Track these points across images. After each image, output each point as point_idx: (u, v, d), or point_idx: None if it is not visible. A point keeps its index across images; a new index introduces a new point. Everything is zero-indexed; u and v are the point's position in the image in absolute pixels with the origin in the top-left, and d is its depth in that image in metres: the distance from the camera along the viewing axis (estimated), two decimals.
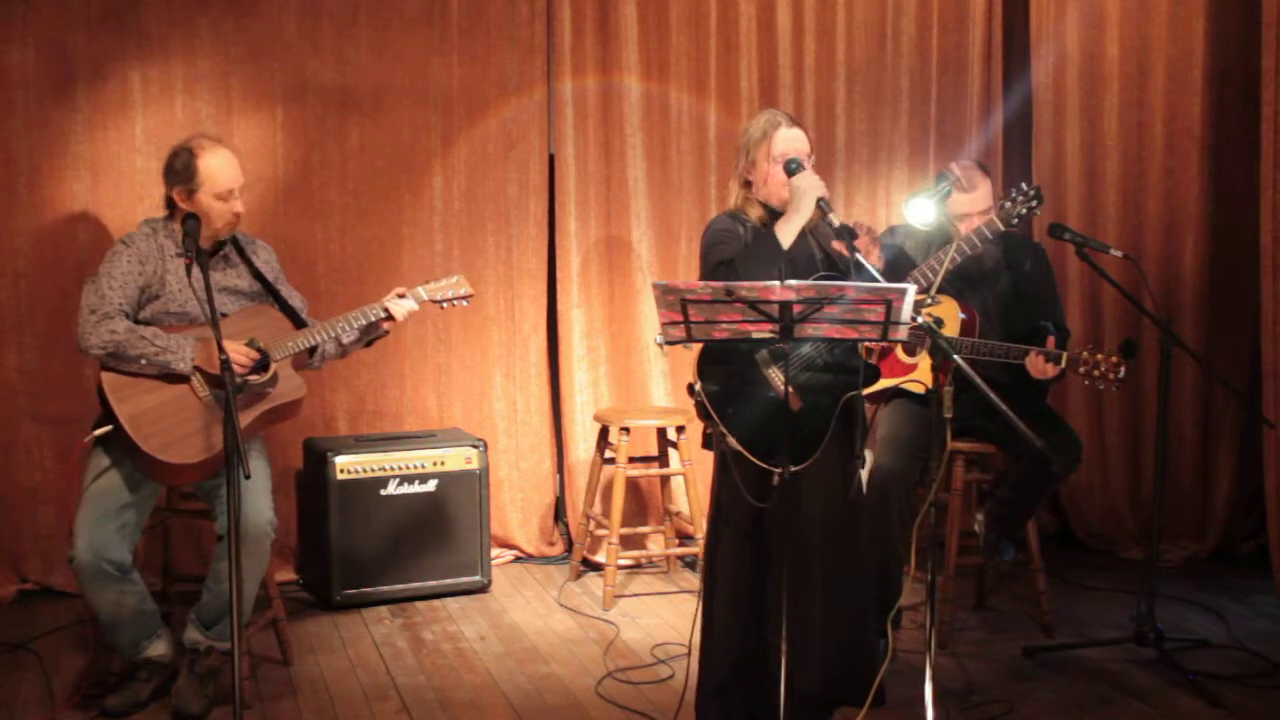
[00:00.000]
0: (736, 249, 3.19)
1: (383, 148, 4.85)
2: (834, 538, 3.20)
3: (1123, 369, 3.74)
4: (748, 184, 3.31)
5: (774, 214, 3.26)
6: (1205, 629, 4.27)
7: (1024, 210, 3.84)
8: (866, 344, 3.51)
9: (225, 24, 4.60)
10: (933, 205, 3.86)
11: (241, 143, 4.65)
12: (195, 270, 3.24)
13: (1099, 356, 3.76)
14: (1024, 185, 3.87)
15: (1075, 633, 4.23)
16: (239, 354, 3.43)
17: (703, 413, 3.17)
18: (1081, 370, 3.78)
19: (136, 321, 3.49)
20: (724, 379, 3.16)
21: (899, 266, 4.04)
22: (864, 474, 4.36)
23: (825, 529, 3.19)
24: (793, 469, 2.98)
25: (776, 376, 3.13)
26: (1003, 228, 3.87)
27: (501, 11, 4.93)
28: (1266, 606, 4.54)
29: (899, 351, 4.05)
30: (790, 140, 3.25)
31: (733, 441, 3.09)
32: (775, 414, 3.07)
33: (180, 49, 4.56)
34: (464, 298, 3.91)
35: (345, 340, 3.79)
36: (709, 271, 3.21)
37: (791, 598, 3.10)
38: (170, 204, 3.60)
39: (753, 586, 3.22)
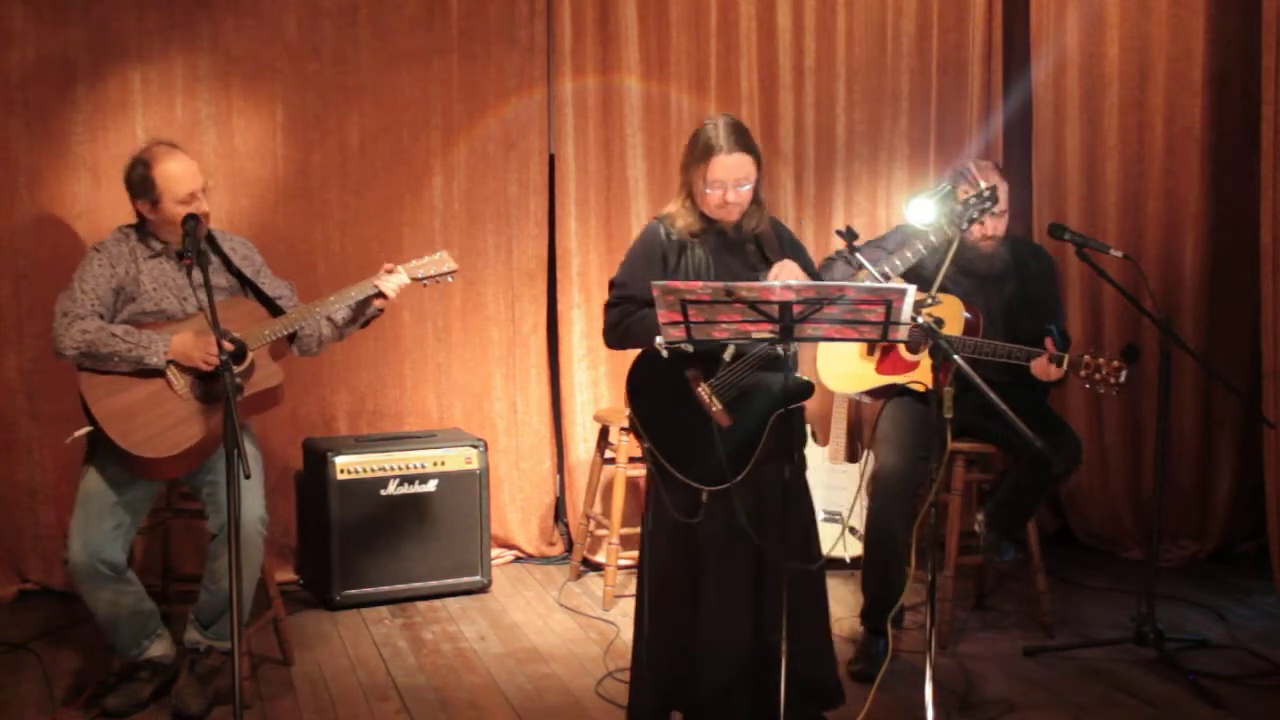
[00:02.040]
0: (645, 283, 3.13)
1: (383, 148, 4.85)
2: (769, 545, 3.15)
3: (1124, 374, 3.71)
4: (689, 190, 3.26)
5: (708, 222, 3.25)
6: (1205, 629, 4.27)
7: (976, 214, 3.68)
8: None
9: (225, 24, 4.60)
10: (933, 205, 3.85)
11: (241, 143, 4.66)
12: (195, 271, 3.25)
13: (1100, 360, 3.73)
14: (982, 185, 3.71)
15: (1075, 633, 4.23)
16: (214, 346, 3.42)
17: (633, 428, 3.19)
18: (1083, 374, 3.75)
19: (113, 323, 3.50)
20: (655, 394, 3.16)
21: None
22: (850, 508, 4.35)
23: (758, 538, 3.13)
24: (719, 487, 3.02)
25: (705, 395, 3.12)
26: (949, 234, 3.78)
27: (501, 11, 4.93)
28: (1266, 606, 4.54)
29: (901, 349, 4.05)
30: (728, 169, 3.15)
31: (661, 460, 3.11)
32: (704, 431, 3.08)
33: (180, 49, 4.56)
34: (447, 274, 3.83)
35: (340, 320, 3.78)
36: (611, 293, 3.28)
37: (716, 604, 3.13)
38: (139, 214, 3.60)
39: (688, 588, 3.19)
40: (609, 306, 3.29)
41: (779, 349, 3.01)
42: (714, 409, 3.11)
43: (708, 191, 3.18)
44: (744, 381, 3.12)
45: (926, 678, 3.03)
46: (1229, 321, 5.16)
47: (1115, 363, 3.71)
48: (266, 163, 4.70)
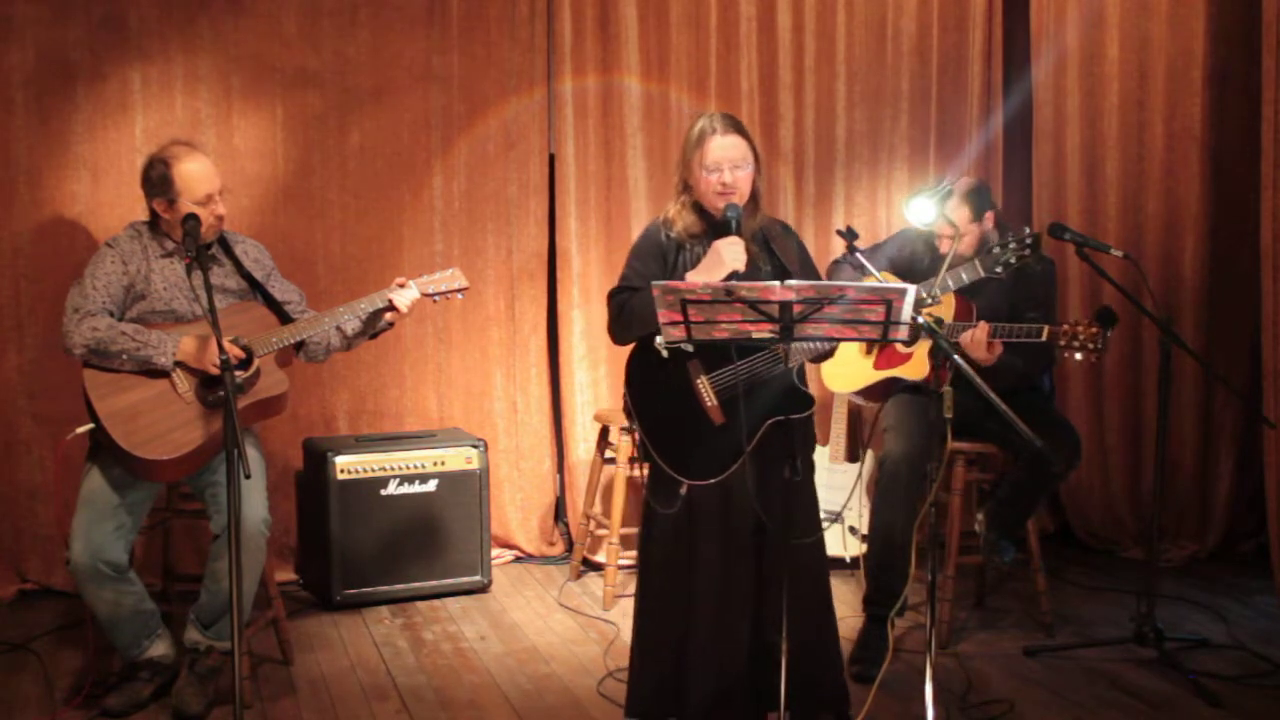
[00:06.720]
0: (648, 274, 3.17)
1: (383, 148, 4.85)
2: (761, 552, 3.15)
3: (1101, 338, 3.67)
4: (687, 186, 3.26)
5: (708, 218, 3.24)
6: (1205, 629, 4.27)
7: (1013, 259, 3.70)
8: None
9: (225, 24, 4.60)
10: (933, 205, 3.85)
11: (241, 142, 4.66)
12: (195, 271, 3.25)
13: (1079, 328, 3.71)
14: (1025, 231, 3.72)
15: (1075, 633, 4.24)
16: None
17: (628, 415, 3.20)
18: (1062, 343, 3.73)
19: (122, 321, 3.50)
20: (653, 382, 3.16)
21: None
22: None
23: (752, 543, 3.14)
24: (701, 482, 3.03)
25: (704, 389, 3.13)
26: (982, 273, 3.78)
27: (502, 11, 4.93)
28: (1266, 606, 4.54)
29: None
30: (724, 149, 3.15)
31: (649, 447, 3.12)
32: (697, 426, 3.09)
33: (180, 49, 4.56)
34: (459, 290, 3.85)
35: (349, 331, 3.79)
36: (615, 288, 3.26)
37: (710, 607, 3.13)
38: (154, 212, 3.60)
39: (682, 588, 3.20)
40: (612, 296, 3.26)
41: (783, 359, 3.02)
42: (709, 404, 3.11)
43: (708, 176, 3.17)
44: (744, 382, 3.12)
45: (926, 678, 3.03)
46: (1229, 321, 5.16)
47: (1093, 328, 3.69)
48: (266, 163, 4.70)
